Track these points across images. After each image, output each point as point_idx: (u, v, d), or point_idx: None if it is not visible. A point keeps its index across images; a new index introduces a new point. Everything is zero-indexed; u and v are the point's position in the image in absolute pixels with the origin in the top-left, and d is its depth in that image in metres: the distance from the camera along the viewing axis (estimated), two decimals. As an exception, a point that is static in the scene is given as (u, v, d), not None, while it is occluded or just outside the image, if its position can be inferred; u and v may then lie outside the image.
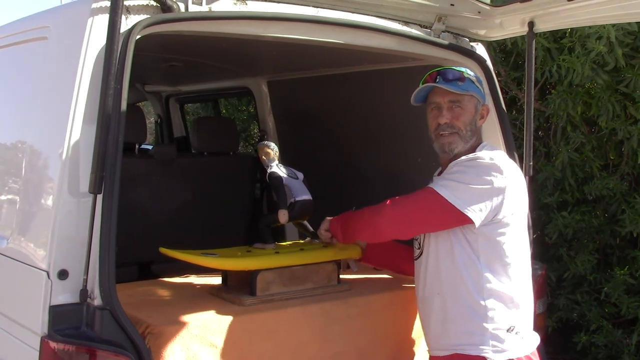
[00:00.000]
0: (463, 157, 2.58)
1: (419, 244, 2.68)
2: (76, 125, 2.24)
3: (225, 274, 2.85)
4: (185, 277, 3.12)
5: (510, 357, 2.51)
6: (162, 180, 4.04)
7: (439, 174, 2.72)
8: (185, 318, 2.47)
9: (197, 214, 4.08)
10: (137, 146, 4.11)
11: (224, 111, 7.56)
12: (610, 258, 4.66)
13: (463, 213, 2.45)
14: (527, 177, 3.14)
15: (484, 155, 2.55)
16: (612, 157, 4.57)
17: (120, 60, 2.21)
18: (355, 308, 2.79)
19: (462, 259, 2.52)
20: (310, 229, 2.97)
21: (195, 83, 5.41)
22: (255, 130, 7.08)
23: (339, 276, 2.91)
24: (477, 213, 2.46)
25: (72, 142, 2.24)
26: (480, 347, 2.49)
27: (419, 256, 2.68)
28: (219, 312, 2.56)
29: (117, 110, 2.19)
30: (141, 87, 5.68)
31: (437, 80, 2.61)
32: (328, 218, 2.82)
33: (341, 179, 4.12)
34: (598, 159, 4.47)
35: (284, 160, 4.52)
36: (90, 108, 2.23)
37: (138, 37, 2.29)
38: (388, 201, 2.59)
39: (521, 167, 3.14)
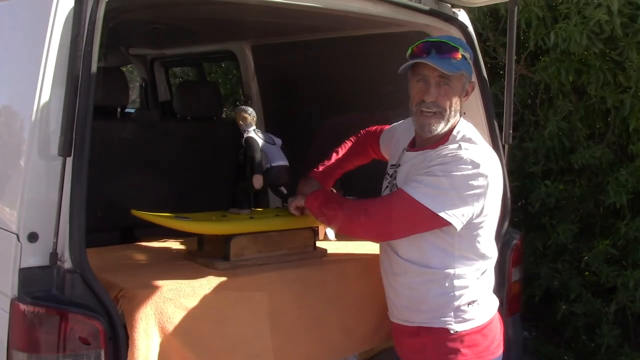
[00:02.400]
0: (441, 151, 2.46)
1: None
2: (46, 87, 2.21)
3: (200, 239, 2.85)
4: (163, 241, 3.12)
5: (473, 326, 2.53)
6: (144, 144, 4.02)
7: (411, 146, 2.64)
8: (159, 282, 2.48)
9: (180, 178, 4.06)
10: (119, 110, 4.09)
11: (212, 75, 7.50)
12: (593, 227, 4.67)
13: (445, 220, 2.38)
14: (506, 146, 3.15)
15: (464, 154, 2.41)
16: (597, 126, 4.56)
17: (91, 21, 2.17)
18: (331, 274, 2.80)
19: (433, 250, 2.49)
20: (286, 196, 2.96)
21: (180, 46, 5.35)
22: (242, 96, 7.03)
23: (315, 243, 2.91)
24: (459, 219, 2.39)
25: (41, 105, 2.21)
26: (444, 319, 2.51)
27: None
28: (193, 276, 2.56)
29: (87, 72, 2.15)
30: (125, 50, 5.61)
31: (431, 53, 2.43)
32: (301, 195, 2.75)
33: (325, 144, 4.10)
34: (585, 128, 4.46)
35: (268, 124, 4.53)
36: (60, 70, 2.20)
37: (109, -3, 2.24)
38: (367, 206, 2.49)
39: (501, 136, 3.14)
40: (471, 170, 2.39)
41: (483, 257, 2.55)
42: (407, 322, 2.60)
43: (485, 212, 2.46)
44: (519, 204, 4.86)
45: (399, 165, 2.65)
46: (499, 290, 3.05)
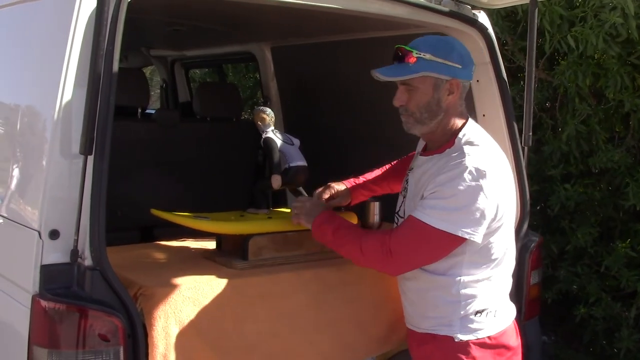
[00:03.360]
0: (446, 158, 2.43)
1: (397, 224, 2.64)
2: (68, 87, 2.24)
3: (219, 238, 2.87)
4: (182, 241, 3.14)
5: (481, 336, 2.48)
6: (164, 145, 4.05)
7: (424, 150, 2.63)
8: (178, 280, 2.50)
9: (200, 179, 4.09)
10: (139, 110, 4.13)
11: (231, 78, 7.54)
12: (613, 231, 4.63)
13: (466, 238, 2.36)
14: (526, 148, 3.14)
15: (469, 163, 2.36)
16: (617, 130, 4.53)
17: (113, 21, 2.20)
18: (350, 275, 2.80)
19: (444, 259, 2.46)
20: (306, 195, 2.97)
21: (200, 48, 5.39)
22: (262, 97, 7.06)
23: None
24: (479, 233, 2.36)
25: (64, 104, 2.24)
26: (449, 327, 2.48)
27: None
28: (211, 275, 2.58)
29: (109, 72, 2.18)
30: (146, 51, 5.67)
31: (393, 60, 2.46)
32: (305, 216, 2.67)
33: (344, 146, 4.12)
34: (604, 131, 4.43)
35: (287, 126, 4.55)
36: (82, 69, 2.22)
37: (131, -2, 2.27)
38: (389, 244, 2.40)
39: (521, 139, 3.13)
40: (479, 181, 2.34)
41: (495, 263, 2.50)
42: (417, 328, 2.59)
43: (499, 216, 2.43)
44: (538, 207, 4.84)
45: (412, 168, 2.65)
46: (517, 293, 3.04)
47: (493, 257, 2.49)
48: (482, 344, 2.48)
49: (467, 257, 2.46)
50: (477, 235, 2.37)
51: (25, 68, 2.60)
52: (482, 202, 2.35)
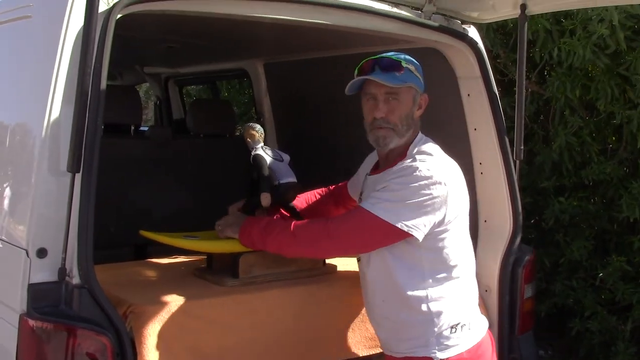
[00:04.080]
0: (398, 167, 2.45)
1: None
2: (56, 104, 2.24)
3: (210, 256, 2.85)
4: (174, 258, 3.13)
5: (459, 351, 2.47)
6: (157, 161, 4.05)
7: (375, 170, 2.65)
8: (168, 298, 2.48)
9: (193, 195, 4.09)
10: (132, 127, 4.12)
11: (225, 94, 7.55)
12: (607, 244, 4.63)
13: (405, 232, 2.36)
14: (518, 161, 3.13)
15: (420, 165, 2.41)
16: (610, 142, 4.53)
17: (100, 39, 2.20)
18: (341, 290, 2.79)
19: (402, 270, 2.45)
20: (298, 212, 2.96)
21: (194, 65, 5.39)
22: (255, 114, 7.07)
23: (324, 260, 2.90)
24: (419, 230, 2.37)
25: (52, 121, 2.24)
26: (427, 348, 2.46)
27: (360, 260, 2.61)
28: (201, 293, 2.57)
29: (97, 89, 2.17)
30: (140, 68, 5.68)
31: (375, 69, 2.47)
32: (229, 226, 2.66)
33: (337, 161, 4.11)
34: (596, 143, 4.43)
35: (280, 141, 4.54)
36: (70, 87, 2.21)
37: (119, 16, 2.27)
38: (328, 229, 2.43)
39: (512, 151, 3.13)
40: (427, 180, 2.37)
41: (455, 272, 2.50)
42: (394, 353, 2.56)
43: (448, 220, 2.43)
44: (532, 220, 4.83)
45: (362, 192, 2.66)
46: (510, 307, 3.03)
47: (452, 264, 2.49)
48: (461, 359, 2.47)
49: (426, 265, 2.45)
50: (417, 232, 2.37)
51: (15, 85, 2.60)
52: (428, 200, 2.37)
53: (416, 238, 2.38)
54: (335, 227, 2.44)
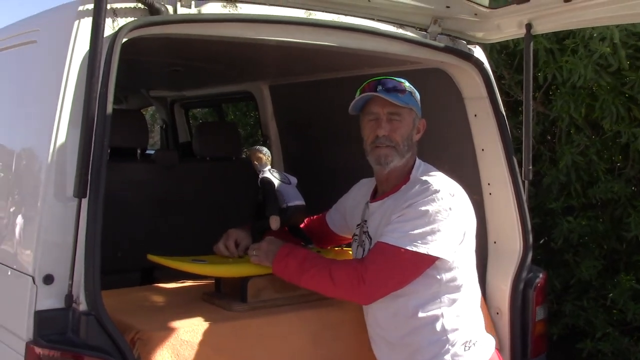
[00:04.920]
0: (409, 191, 2.45)
1: None
2: (62, 129, 2.23)
3: (218, 280, 2.83)
4: (182, 283, 3.10)
5: None
6: (164, 185, 4.04)
7: (374, 197, 2.64)
8: (176, 324, 2.45)
9: (200, 219, 4.07)
10: (138, 151, 4.12)
11: (231, 117, 7.56)
12: (617, 263, 4.58)
13: (436, 257, 2.36)
14: (526, 182, 3.11)
15: (432, 185, 2.41)
16: (617, 161, 4.51)
17: (106, 63, 2.19)
18: (350, 313, 2.75)
19: (418, 292, 2.44)
20: (306, 235, 2.94)
21: (199, 88, 5.41)
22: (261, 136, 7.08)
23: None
24: (449, 252, 2.38)
25: (58, 146, 2.22)
26: None
27: None
28: (210, 318, 2.54)
29: (102, 113, 2.16)
30: (146, 92, 5.69)
31: (378, 89, 2.51)
32: (264, 252, 2.60)
33: (344, 184, 4.08)
34: (603, 162, 4.41)
35: (286, 164, 4.53)
36: (76, 111, 2.21)
37: (125, 40, 2.27)
38: (359, 272, 2.37)
39: (520, 172, 3.10)
40: (444, 200, 2.39)
41: (466, 290, 2.50)
42: None
43: (465, 238, 2.45)
44: (541, 241, 4.79)
45: (366, 220, 2.65)
46: (522, 331, 2.99)
47: (463, 282, 2.49)
48: None
49: (444, 285, 2.44)
50: (448, 254, 2.37)
51: (21, 110, 2.59)
52: (451, 220, 2.37)
53: (446, 261, 2.38)
54: (367, 270, 2.37)
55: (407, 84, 2.57)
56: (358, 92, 2.59)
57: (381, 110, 2.52)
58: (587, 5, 2.80)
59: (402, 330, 2.49)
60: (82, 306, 2.17)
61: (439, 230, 2.36)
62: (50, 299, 2.18)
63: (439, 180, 2.47)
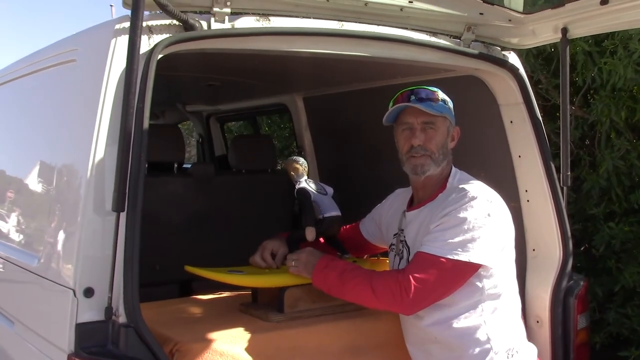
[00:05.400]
0: (446, 199, 2.45)
1: None
2: (100, 145, 2.27)
3: (255, 291, 2.84)
4: (219, 294, 3.13)
5: None
6: (201, 198, 4.08)
7: (410, 205, 2.64)
8: (213, 335, 2.47)
9: (237, 231, 4.09)
10: (175, 165, 4.17)
11: (266, 129, 7.61)
12: (663, 270, 4.47)
13: (480, 264, 2.36)
14: (565, 188, 3.06)
15: (470, 192, 2.41)
16: (661, 165, 4.41)
17: (142, 79, 2.23)
18: (386, 323, 2.74)
19: (460, 301, 2.43)
20: (342, 245, 2.94)
21: (234, 101, 5.45)
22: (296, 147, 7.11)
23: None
24: (491, 257, 2.38)
25: (96, 162, 2.27)
26: None
27: None
28: (247, 328, 2.55)
29: (139, 129, 2.20)
30: (182, 107, 5.76)
31: (411, 99, 2.52)
32: (303, 264, 2.61)
33: (379, 194, 4.08)
34: (646, 166, 4.32)
35: (321, 174, 4.54)
36: (114, 127, 2.25)
37: (160, 55, 2.30)
38: (402, 284, 2.35)
39: (559, 177, 3.06)
40: (482, 206, 2.38)
41: (507, 297, 2.48)
42: None
43: (506, 244, 2.45)
44: (582, 248, 4.71)
45: (403, 229, 2.64)
46: (564, 340, 2.94)
47: (505, 289, 2.48)
48: None
49: (485, 294, 2.43)
50: (490, 260, 2.36)
51: (61, 127, 2.65)
52: (490, 227, 2.36)
53: (489, 267, 2.38)
54: (410, 281, 2.34)
55: (440, 92, 2.57)
56: (391, 103, 2.60)
57: (415, 120, 2.53)
58: (623, 7, 2.76)
59: (444, 339, 2.47)
60: (122, 318, 2.20)
61: (479, 237, 2.35)
62: (91, 312, 2.22)
63: (475, 187, 2.46)
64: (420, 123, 2.52)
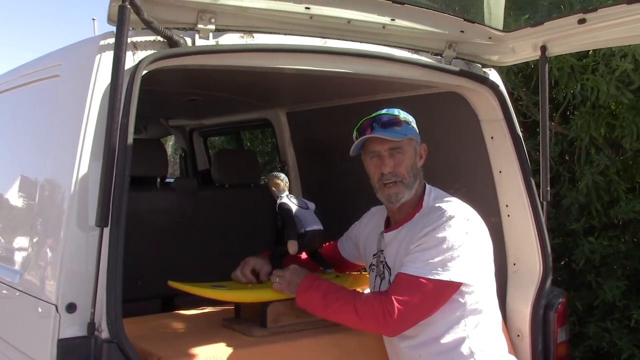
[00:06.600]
0: (423, 219, 2.47)
1: None
2: (84, 160, 2.27)
3: (237, 306, 2.84)
4: (202, 309, 3.12)
5: None
6: (184, 213, 4.07)
7: (388, 226, 2.65)
8: (196, 350, 2.47)
9: (220, 245, 4.09)
10: (158, 180, 4.16)
11: (248, 144, 7.61)
12: (641, 284, 4.53)
13: (461, 282, 2.39)
14: (545, 203, 3.10)
15: (446, 211, 2.42)
16: (638, 180, 4.48)
17: (127, 95, 2.24)
18: (370, 339, 2.75)
19: (444, 317, 2.45)
20: (325, 260, 2.95)
21: (217, 116, 5.46)
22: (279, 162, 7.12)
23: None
24: (472, 274, 2.41)
25: (80, 177, 2.27)
26: None
27: None
28: (230, 343, 2.55)
29: (124, 144, 2.21)
30: (165, 121, 5.76)
31: (374, 127, 2.51)
32: (287, 283, 2.61)
33: (362, 209, 4.10)
34: (624, 181, 4.38)
35: (304, 190, 4.55)
36: (98, 142, 2.26)
37: (145, 72, 2.32)
38: (385, 306, 2.37)
39: (538, 193, 3.10)
40: (460, 225, 2.40)
41: (488, 311, 2.51)
42: None
43: (485, 259, 2.47)
44: (562, 262, 4.76)
45: (382, 250, 2.65)
46: (544, 353, 2.97)
47: (486, 303, 2.50)
48: None
49: (467, 309, 2.45)
50: (471, 278, 2.39)
51: (45, 142, 2.65)
52: (469, 244, 2.39)
53: (469, 284, 2.40)
54: (391, 303, 2.36)
55: (401, 113, 2.57)
56: (355, 132, 2.60)
57: (382, 147, 2.54)
58: (600, 26, 2.81)
59: (428, 356, 2.48)
60: (104, 334, 2.19)
61: (458, 256, 2.37)
62: (73, 327, 2.21)
63: (452, 205, 2.48)
64: (387, 150, 2.53)
